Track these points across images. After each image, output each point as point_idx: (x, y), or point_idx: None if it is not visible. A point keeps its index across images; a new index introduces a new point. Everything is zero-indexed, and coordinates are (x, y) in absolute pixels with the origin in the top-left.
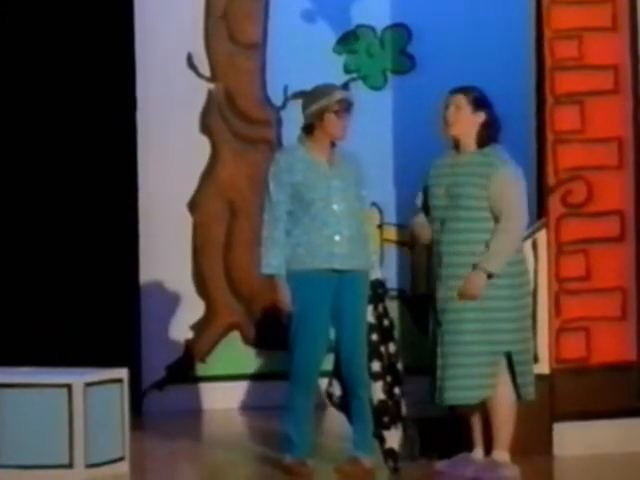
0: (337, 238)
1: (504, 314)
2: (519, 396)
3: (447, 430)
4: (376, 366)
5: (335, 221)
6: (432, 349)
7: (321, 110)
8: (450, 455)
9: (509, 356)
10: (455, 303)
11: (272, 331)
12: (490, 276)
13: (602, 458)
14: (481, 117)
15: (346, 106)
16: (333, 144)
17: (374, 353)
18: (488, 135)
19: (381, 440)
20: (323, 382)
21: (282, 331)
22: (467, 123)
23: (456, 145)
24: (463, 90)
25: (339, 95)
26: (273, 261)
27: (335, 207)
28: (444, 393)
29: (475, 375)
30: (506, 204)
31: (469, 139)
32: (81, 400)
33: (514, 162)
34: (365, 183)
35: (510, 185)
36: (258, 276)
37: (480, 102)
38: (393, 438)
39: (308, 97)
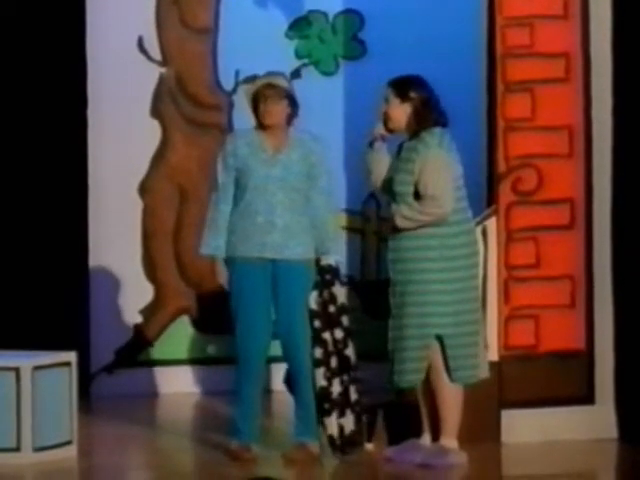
0: (268, 228)
1: (436, 297)
2: (451, 379)
3: (395, 416)
4: (318, 352)
5: (268, 210)
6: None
7: (251, 96)
8: (399, 441)
9: (440, 339)
10: (400, 287)
11: (221, 316)
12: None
13: (550, 445)
14: (408, 108)
15: (272, 92)
16: (286, 130)
17: (316, 339)
18: (419, 122)
19: (322, 427)
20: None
21: (231, 316)
22: (396, 114)
23: None
24: (392, 82)
25: (263, 81)
26: (212, 242)
27: (270, 196)
28: (391, 377)
29: (410, 359)
30: (423, 187)
31: (402, 127)
32: (29, 383)
33: (447, 146)
34: (324, 169)
35: (429, 169)
36: (207, 260)
37: (406, 92)
38: (333, 425)
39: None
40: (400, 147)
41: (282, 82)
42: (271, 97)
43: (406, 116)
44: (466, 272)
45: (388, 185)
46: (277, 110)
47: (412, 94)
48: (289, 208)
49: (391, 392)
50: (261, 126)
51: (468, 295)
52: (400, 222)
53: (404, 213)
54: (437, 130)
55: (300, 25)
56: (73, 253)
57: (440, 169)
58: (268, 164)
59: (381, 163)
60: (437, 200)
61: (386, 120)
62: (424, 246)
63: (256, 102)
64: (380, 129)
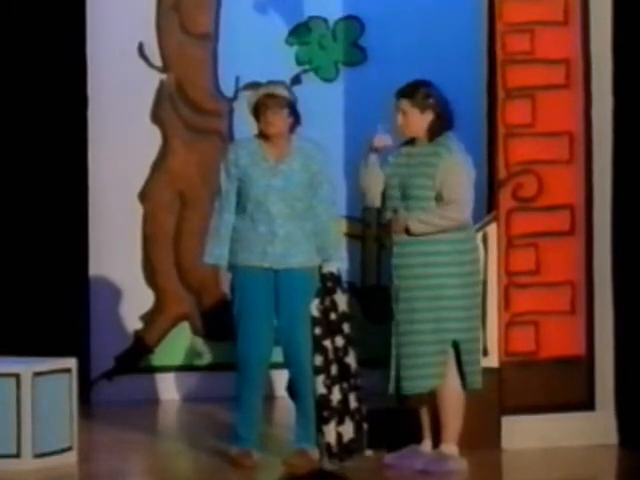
0: (270, 237)
1: (452, 302)
2: (464, 385)
3: (396, 422)
4: (318, 360)
5: (268, 219)
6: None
7: (252, 106)
8: (399, 447)
9: (456, 344)
10: (407, 293)
11: (221, 322)
12: (407, 230)
13: (550, 451)
14: (430, 115)
15: (272, 102)
16: (289, 138)
17: (316, 347)
18: (439, 127)
19: (321, 434)
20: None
21: (231, 322)
22: (417, 125)
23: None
24: (407, 94)
25: (263, 90)
26: (215, 251)
27: (270, 206)
28: (398, 383)
29: (426, 364)
30: (447, 192)
31: (422, 135)
32: (29, 390)
33: (464, 151)
34: (325, 177)
35: (454, 174)
36: (208, 267)
37: (425, 101)
38: (331, 433)
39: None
40: (407, 151)
41: (282, 91)
42: (271, 107)
43: (428, 123)
44: (475, 277)
45: (401, 191)
46: (277, 120)
47: (429, 100)
48: (290, 217)
49: (393, 398)
50: (263, 135)
51: (477, 300)
52: (415, 227)
53: (421, 218)
54: (451, 135)
55: (300, 31)
56: (73, 259)
57: (465, 175)
58: (269, 174)
59: (377, 178)
60: (460, 205)
61: (403, 130)
62: (435, 251)
63: (257, 112)
64: (385, 139)
